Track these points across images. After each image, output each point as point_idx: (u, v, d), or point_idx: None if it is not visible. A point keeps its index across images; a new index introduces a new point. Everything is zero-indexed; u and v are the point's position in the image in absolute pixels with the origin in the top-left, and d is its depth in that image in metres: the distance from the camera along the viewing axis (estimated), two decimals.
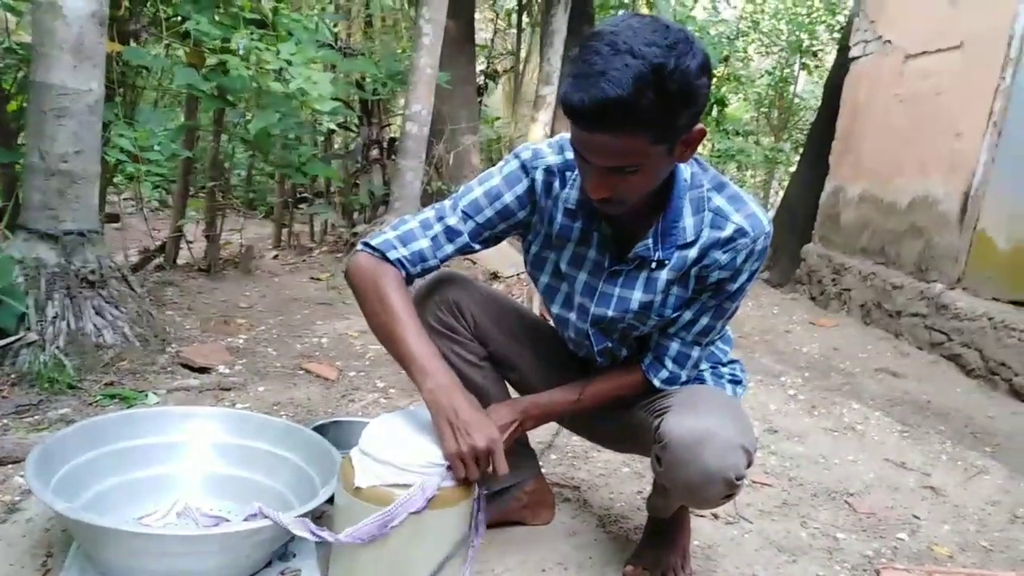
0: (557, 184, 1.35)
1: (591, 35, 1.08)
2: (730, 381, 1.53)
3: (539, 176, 1.35)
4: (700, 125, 1.14)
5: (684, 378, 1.42)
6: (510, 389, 1.61)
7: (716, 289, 1.32)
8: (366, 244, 1.35)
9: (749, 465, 1.26)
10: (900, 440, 2.66)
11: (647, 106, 1.03)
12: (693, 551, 1.61)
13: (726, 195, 1.29)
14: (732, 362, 1.56)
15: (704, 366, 1.51)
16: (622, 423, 1.48)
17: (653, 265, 1.31)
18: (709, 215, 1.28)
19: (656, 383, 1.41)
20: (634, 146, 1.09)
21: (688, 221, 1.28)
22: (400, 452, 1.22)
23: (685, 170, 1.28)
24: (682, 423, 1.25)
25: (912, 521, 2.00)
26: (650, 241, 1.29)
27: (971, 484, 2.32)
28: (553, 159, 1.35)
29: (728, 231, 1.27)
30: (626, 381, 1.44)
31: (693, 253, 1.29)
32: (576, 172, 1.31)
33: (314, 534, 1.20)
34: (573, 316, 1.44)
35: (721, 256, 1.28)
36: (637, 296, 1.34)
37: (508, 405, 1.42)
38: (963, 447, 2.70)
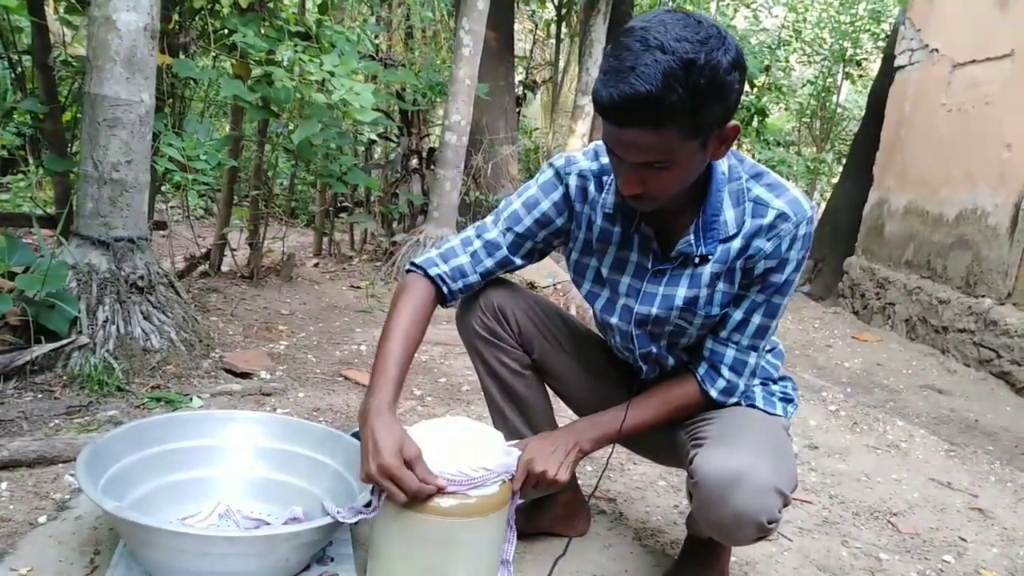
0: (592, 188, 1.36)
1: (624, 31, 1.08)
2: (781, 399, 1.46)
3: (573, 182, 1.37)
4: (734, 122, 1.13)
5: (742, 387, 1.37)
6: (554, 399, 1.60)
7: (763, 283, 1.29)
8: (412, 264, 1.41)
9: (786, 506, 1.22)
10: (946, 459, 2.59)
11: (676, 101, 1.03)
12: (730, 567, 1.59)
13: (765, 183, 1.27)
14: (784, 379, 1.51)
15: (755, 382, 1.45)
16: (664, 438, 1.46)
17: (696, 260, 1.30)
18: (750, 205, 1.26)
19: (713, 394, 1.37)
20: (664, 142, 1.08)
21: (729, 214, 1.26)
22: (435, 458, 1.23)
23: (722, 163, 1.26)
24: (715, 460, 1.20)
25: (959, 543, 1.94)
26: (691, 237, 1.28)
27: (1021, 506, 2.24)
28: (587, 164, 1.37)
29: (769, 217, 1.24)
30: (681, 396, 1.39)
31: (737, 244, 1.26)
32: (612, 177, 1.31)
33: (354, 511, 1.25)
34: (616, 319, 1.41)
35: (765, 244, 1.25)
36: (682, 292, 1.32)
37: (566, 430, 1.39)
38: (1012, 468, 2.62)
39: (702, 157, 1.15)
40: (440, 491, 1.19)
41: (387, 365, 1.27)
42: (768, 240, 1.25)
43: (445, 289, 1.39)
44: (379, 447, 1.17)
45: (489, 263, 1.40)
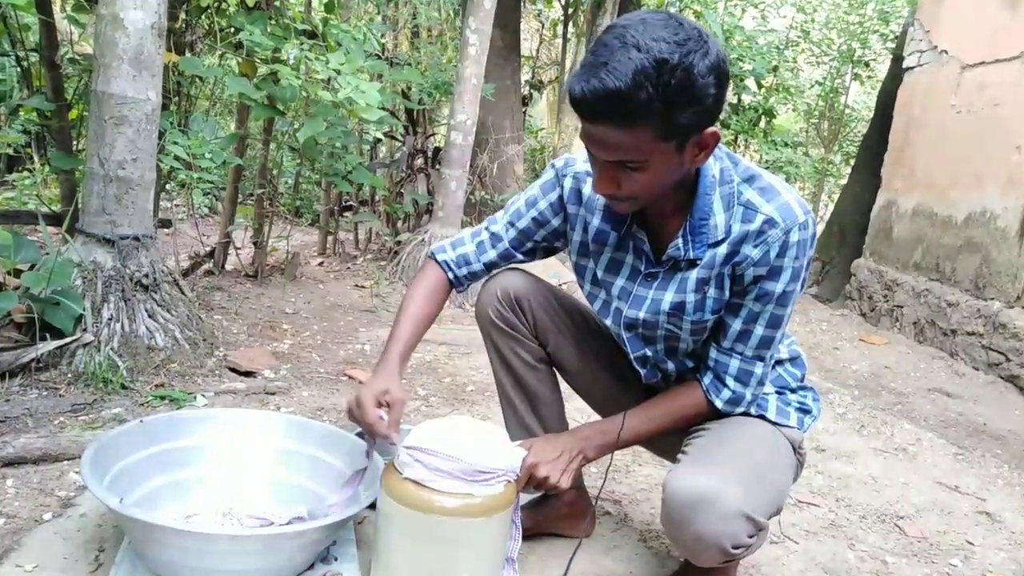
0: (587, 190, 1.36)
1: (607, 28, 1.08)
2: (797, 410, 1.43)
3: (568, 183, 1.39)
4: (712, 128, 1.12)
5: (749, 397, 1.34)
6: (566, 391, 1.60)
7: (759, 292, 1.25)
8: (432, 251, 1.51)
9: (760, 531, 1.20)
10: (954, 463, 2.57)
11: (645, 100, 1.03)
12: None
13: (757, 187, 1.23)
14: (803, 388, 1.47)
15: (770, 389, 1.42)
16: (675, 441, 1.43)
17: (683, 265, 1.28)
18: (740, 210, 1.23)
19: (719, 404, 1.34)
20: (635, 141, 1.07)
21: (719, 218, 1.24)
22: (441, 458, 1.22)
23: (714, 166, 1.24)
24: (683, 479, 1.18)
25: (965, 547, 1.93)
26: (680, 241, 1.26)
27: None
28: (583, 166, 1.37)
29: (757, 223, 1.21)
30: (687, 404, 1.37)
31: (724, 250, 1.24)
32: None
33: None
34: (609, 321, 1.42)
35: (753, 251, 1.22)
36: (669, 297, 1.30)
37: (572, 435, 1.38)
38: (1021, 472, 2.60)
39: (678, 161, 1.13)
40: (388, 440, 1.26)
41: (399, 332, 1.38)
42: (756, 247, 1.22)
43: (451, 275, 1.47)
44: (366, 384, 1.29)
45: (492, 254, 1.46)
